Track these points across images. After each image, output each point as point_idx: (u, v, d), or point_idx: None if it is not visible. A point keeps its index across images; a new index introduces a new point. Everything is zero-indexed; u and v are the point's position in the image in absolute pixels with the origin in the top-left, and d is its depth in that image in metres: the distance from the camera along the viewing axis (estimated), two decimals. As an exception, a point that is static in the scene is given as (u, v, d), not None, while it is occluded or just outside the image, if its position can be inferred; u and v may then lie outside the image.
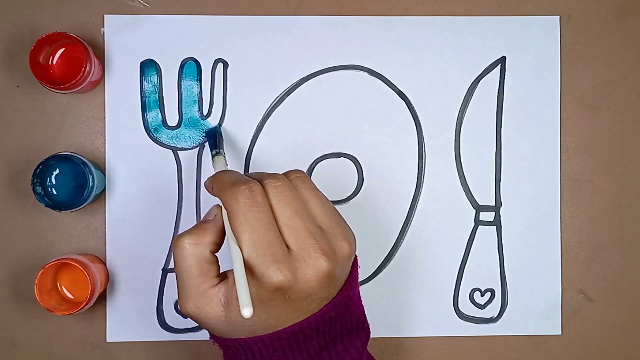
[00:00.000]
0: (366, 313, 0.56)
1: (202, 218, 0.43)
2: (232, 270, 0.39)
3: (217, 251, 0.41)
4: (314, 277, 0.38)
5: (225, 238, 0.41)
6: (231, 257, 0.38)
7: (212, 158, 0.50)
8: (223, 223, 0.41)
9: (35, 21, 0.55)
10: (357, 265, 0.44)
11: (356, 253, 0.56)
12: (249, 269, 0.38)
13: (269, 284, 0.38)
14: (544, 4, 0.57)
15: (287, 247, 0.39)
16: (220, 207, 0.42)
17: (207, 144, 0.55)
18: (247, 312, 0.36)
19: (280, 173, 0.41)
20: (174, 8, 0.55)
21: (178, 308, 0.41)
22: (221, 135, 0.54)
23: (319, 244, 0.39)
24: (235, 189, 0.39)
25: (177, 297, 0.55)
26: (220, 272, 0.41)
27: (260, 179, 0.40)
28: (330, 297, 0.41)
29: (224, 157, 0.50)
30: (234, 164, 0.55)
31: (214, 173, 0.44)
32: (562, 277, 0.57)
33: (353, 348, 0.42)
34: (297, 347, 0.41)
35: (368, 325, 0.44)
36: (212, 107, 0.56)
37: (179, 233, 0.41)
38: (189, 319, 0.55)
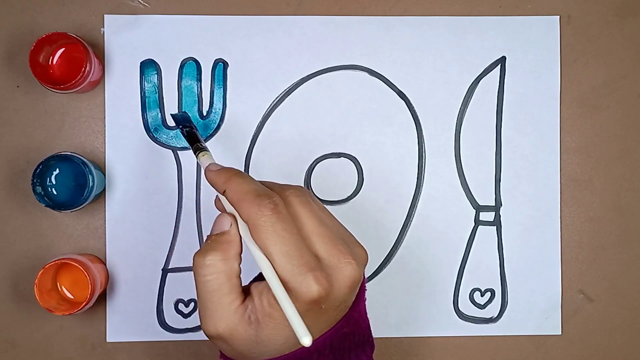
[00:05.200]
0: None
1: (212, 230, 0.40)
2: (255, 284, 0.37)
3: (240, 263, 0.39)
4: (347, 283, 0.37)
5: (246, 252, 0.39)
6: (265, 274, 0.36)
7: (197, 154, 0.45)
8: (235, 235, 0.39)
9: (35, 21, 0.55)
10: (365, 278, 0.43)
11: None
12: (282, 283, 0.36)
13: (307, 294, 0.36)
14: (544, 4, 0.57)
15: (317, 256, 0.37)
16: (234, 217, 0.39)
17: (180, 133, 0.50)
18: (307, 340, 0.34)
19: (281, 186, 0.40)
20: (174, 8, 0.55)
21: (204, 331, 0.38)
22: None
23: (347, 249, 0.38)
24: (260, 201, 0.37)
25: (177, 297, 0.55)
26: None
27: (280, 190, 0.39)
28: (350, 303, 0.39)
29: (209, 151, 0.45)
30: (234, 164, 0.55)
31: (206, 168, 0.41)
32: (562, 277, 0.57)
33: None
34: None
35: (373, 339, 0.43)
36: (212, 107, 0.56)
37: (198, 250, 0.38)
38: (189, 319, 0.55)
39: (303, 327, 0.34)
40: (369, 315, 0.55)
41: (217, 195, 0.41)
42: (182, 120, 0.50)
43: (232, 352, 0.39)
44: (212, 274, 0.37)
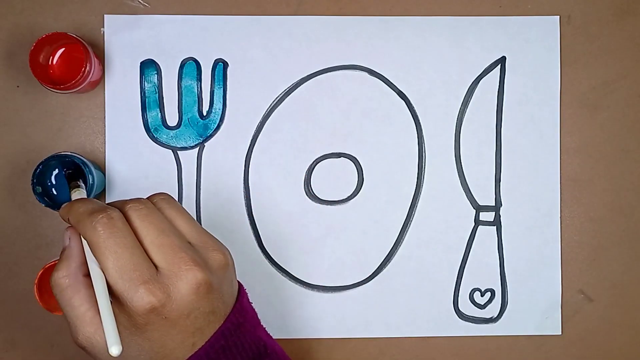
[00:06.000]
0: (364, 313, 0.56)
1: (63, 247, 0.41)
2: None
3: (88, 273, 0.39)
4: (189, 289, 0.37)
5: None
6: (95, 289, 0.37)
7: (70, 191, 0.46)
8: (76, 249, 0.40)
9: (35, 21, 0.55)
10: (244, 291, 0.43)
11: (346, 256, 0.56)
12: (116, 297, 0.37)
13: (140, 307, 0.36)
14: (544, 4, 0.57)
15: (156, 267, 0.38)
16: (74, 231, 0.40)
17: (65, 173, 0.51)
18: (115, 350, 0.35)
19: (144, 197, 0.41)
20: (174, 8, 0.55)
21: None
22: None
23: (189, 256, 0.38)
24: (93, 218, 0.38)
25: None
26: None
27: (122, 205, 0.40)
28: (216, 311, 0.39)
29: (84, 189, 0.47)
30: (235, 164, 0.55)
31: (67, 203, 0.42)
32: (562, 277, 0.57)
33: None
34: None
35: (273, 349, 0.42)
36: (212, 107, 0.56)
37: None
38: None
39: (112, 335, 0.35)
40: (368, 315, 0.55)
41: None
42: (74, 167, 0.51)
43: None
44: (60, 291, 0.39)
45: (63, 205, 0.41)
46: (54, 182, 0.52)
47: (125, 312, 0.37)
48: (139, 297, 0.36)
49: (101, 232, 0.37)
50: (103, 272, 0.37)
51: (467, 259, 0.56)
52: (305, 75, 0.56)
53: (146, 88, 0.55)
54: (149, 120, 0.55)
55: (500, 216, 0.56)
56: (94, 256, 0.38)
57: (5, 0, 0.55)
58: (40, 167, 0.50)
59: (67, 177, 0.49)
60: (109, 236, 0.37)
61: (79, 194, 0.45)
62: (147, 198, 0.41)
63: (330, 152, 0.56)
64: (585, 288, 0.57)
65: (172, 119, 0.55)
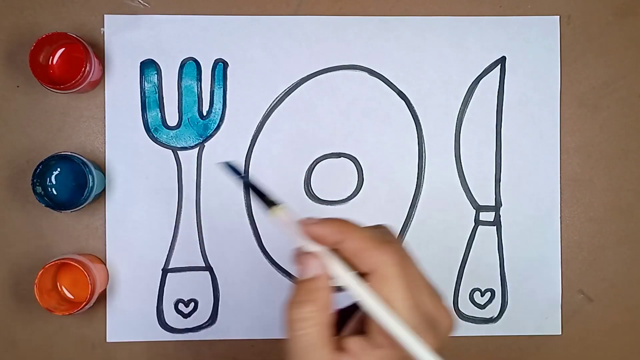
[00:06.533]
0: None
1: (299, 274, 0.36)
2: (351, 339, 0.35)
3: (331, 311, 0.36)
4: (445, 339, 0.35)
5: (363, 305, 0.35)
6: (390, 328, 0.33)
7: (271, 209, 0.39)
8: (328, 280, 0.36)
9: (35, 21, 0.55)
10: None
11: None
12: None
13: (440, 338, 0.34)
14: (544, 4, 0.57)
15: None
16: (320, 262, 0.36)
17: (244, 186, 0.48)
18: None
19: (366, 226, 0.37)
20: (174, 8, 0.55)
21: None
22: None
23: (445, 304, 0.36)
24: (384, 250, 0.34)
25: (177, 297, 0.55)
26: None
27: (382, 236, 0.36)
28: None
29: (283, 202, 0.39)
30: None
31: (302, 222, 0.37)
32: (562, 277, 0.57)
33: None
34: None
35: None
36: (212, 107, 0.56)
37: (291, 301, 0.35)
38: (189, 319, 0.55)
39: None
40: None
41: (297, 248, 0.37)
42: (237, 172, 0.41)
43: None
44: (307, 327, 0.35)
45: (321, 224, 0.36)
46: (54, 182, 0.52)
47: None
48: (429, 340, 0.33)
49: (396, 266, 0.34)
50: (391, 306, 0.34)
51: (467, 259, 0.56)
52: (305, 75, 0.56)
53: (146, 88, 0.55)
54: (149, 120, 0.55)
55: (500, 216, 0.56)
56: (379, 291, 0.34)
57: (5, 0, 0.55)
58: (40, 167, 0.50)
59: (251, 187, 0.40)
60: (402, 272, 0.34)
61: (285, 211, 0.38)
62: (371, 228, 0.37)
63: (330, 152, 0.56)
64: (585, 288, 0.57)
65: (172, 119, 0.55)
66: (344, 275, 0.35)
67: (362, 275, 0.35)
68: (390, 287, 0.34)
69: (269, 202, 0.39)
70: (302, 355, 0.35)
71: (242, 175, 0.40)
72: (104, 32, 0.55)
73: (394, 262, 0.34)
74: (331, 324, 0.35)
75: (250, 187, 0.39)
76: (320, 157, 0.56)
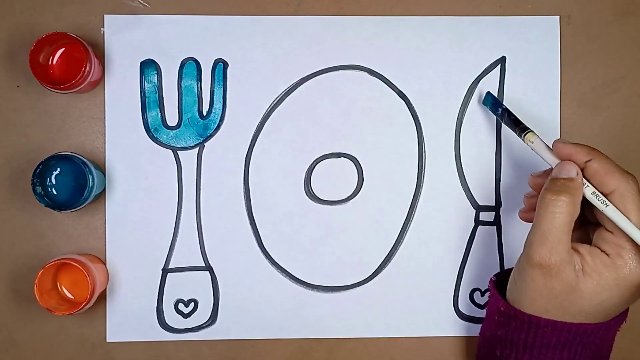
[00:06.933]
0: (364, 313, 0.56)
1: (556, 173, 0.45)
2: (580, 245, 0.45)
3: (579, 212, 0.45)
4: None
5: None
6: (626, 229, 0.43)
7: (524, 136, 0.50)
8: (582, 183, 0.45)
9: (35, 21, 0.55)
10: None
11: (346, 256, 0.57)
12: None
13: None
14: (544, 4, 0.57)
15: None
16: (578, 168, 0.45)
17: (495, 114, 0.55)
18: None
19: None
20: (174, 8, 0.55)
21: (529, 256, 0.45)
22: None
23: None
24: (628, 178, 0.44)
25: (177, 297, 0.55)
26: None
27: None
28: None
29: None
30: (235, 164, 0.55)
31: (557, 142, 0.47)
32: (562, 277, 0.57)
33: None
34: (574, 351, 0.45)
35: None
36: (212, 107, 0.56)
37: (548, 189, 0.45)
38: (189, 319, 0.55)
39: None
40: (368, 315, 0.55)
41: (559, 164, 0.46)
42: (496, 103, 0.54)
43: (543, 286, 0.44)
44: (561, 212, 0.43)
45: (575, 145, 0.46)
46: (54, 182, 0.52)
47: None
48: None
49: (636, 190, 0.44)
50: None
51: (467, 259, 0.56)
52: (305, 75, 0.56)
53: (146, 88, 0.55)
54: (149, 120, 0.55)
55: (500, 216, 0.57)
56: (618, 206, 0.44)
57: (5, 0, 0.55)
58: (40, 167, 0.50)
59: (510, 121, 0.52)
60: (638, 196, 0.44)
61: (536, 137, 0.50)
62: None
63: (330, 152, 0.56)
64: (585, 288, 0.57)
65: (172, 119, 0.55)
66: (590, 189, 0.45)
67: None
68: (628, 205, 0.43)
69: (523, 129, 0.50)
70: (548, 233, 0.43)
71: (504, 107, 0.53)
72: (104, 32, 0.55)
73: (633, 187, 0.43)
74: (574, 219, 0.44)
75: (506, 115, 0.52)
76: (320, 157, 0.56)
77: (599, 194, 0.45)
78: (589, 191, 0.45)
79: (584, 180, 0.45)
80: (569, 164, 0.45)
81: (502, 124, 0.56)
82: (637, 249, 0.43)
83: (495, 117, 0.56)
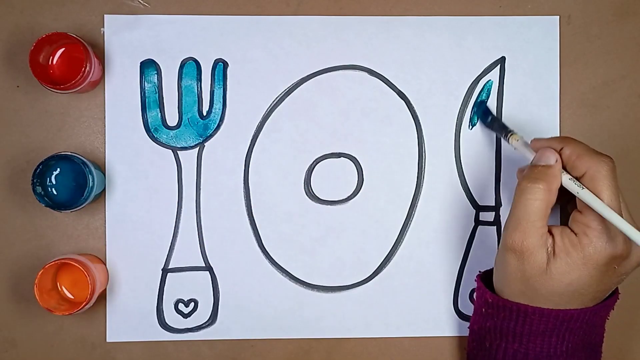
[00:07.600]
0: (364, 313, 0.56)
1: (535, 160, 0.47)
2: (553, 226, 0.46)
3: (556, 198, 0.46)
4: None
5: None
6: (596, 207, 0.44)
7: (508, 138, 0.52)
8: (560, 171, 0.46)
9: (35, 21, 0.55)
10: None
11: (346, 256, 0.58)
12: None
13: (617, 249, 0.44)
14: (544, 4, 0.57)
15: None
16: (557, 156, 0.46)
17: (484, 122, 0.56)
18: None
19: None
20: (174, 8, 0.55)
21: (506, 241, 0.46)
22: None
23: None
24: (600, 159, 0.45)
25: (177, 297, 0.55)
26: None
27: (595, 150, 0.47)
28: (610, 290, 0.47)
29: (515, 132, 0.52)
30: (234, 164, 0.55)
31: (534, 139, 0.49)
32: (562, 277, 0.57)
33: None
34: (562, 337, 0.46)
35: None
36: (212, 107, 0.56)
37: (525, 176, 0.46)
38: (189, 319, 0.55)
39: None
40: (368, 315, 0.55)
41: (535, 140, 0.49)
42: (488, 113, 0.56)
43: (517, 269, 0.45)
44: (535, 199, 0.45)
45: (549, 139, 0.48)
46: (54, 182, 0.52)
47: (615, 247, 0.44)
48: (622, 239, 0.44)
49: (608, 170, 0.45)
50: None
51: (467, 259, 0.56)
52: (305, 75, 0.56)
53: (146, 88, 0.55)
54: (149, 120, 0.55)
55: (500, 216, 0.57)
56: (590, 188, 0.45)
57: (5, 0, 0.55)
58: (40, 167, 0.50)
59: (496, 122, 0.55)
60: (612, 176, 0.45)
61: (520, 139, 0.51)
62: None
63: (330, 152, 0.56)
64: (585, 288, 0.57)
65: (172, 119, 0.55)
66: (567, 176, 0.46)
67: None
68: (598, 185, 0.44)
69: (507, 132, 0.53)
70: (522, 218, 0.45)
71: (493, 115, 0.55)
72: (104, 32, 0.55)
73: (604, 167, 0.44)
74: (550, 206, 0.45)
75: (495, 122, 0.55)
76: (320, 157, 0.56)
77: (575, 179, 0.46)
78: (566, 178, 0.46)
79: (562, 170, 0.46)
80: (549, 150, 0.47)
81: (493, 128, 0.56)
82: (603, 228, 0.44)
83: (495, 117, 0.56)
